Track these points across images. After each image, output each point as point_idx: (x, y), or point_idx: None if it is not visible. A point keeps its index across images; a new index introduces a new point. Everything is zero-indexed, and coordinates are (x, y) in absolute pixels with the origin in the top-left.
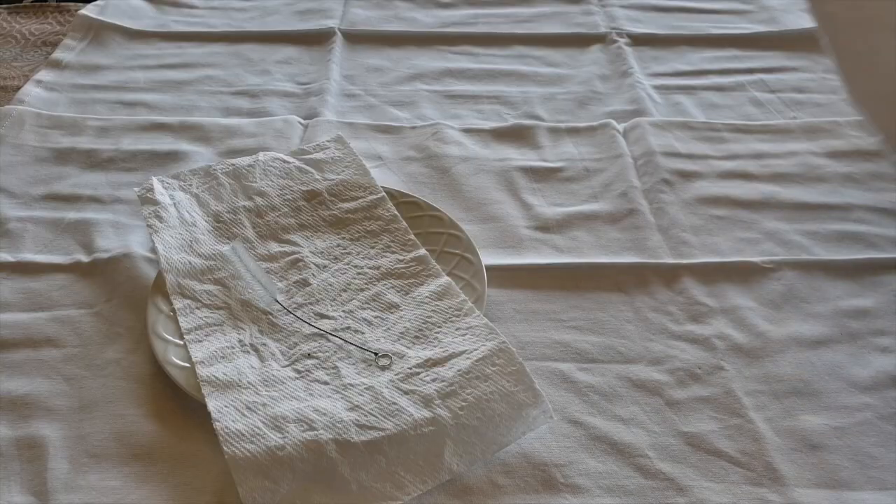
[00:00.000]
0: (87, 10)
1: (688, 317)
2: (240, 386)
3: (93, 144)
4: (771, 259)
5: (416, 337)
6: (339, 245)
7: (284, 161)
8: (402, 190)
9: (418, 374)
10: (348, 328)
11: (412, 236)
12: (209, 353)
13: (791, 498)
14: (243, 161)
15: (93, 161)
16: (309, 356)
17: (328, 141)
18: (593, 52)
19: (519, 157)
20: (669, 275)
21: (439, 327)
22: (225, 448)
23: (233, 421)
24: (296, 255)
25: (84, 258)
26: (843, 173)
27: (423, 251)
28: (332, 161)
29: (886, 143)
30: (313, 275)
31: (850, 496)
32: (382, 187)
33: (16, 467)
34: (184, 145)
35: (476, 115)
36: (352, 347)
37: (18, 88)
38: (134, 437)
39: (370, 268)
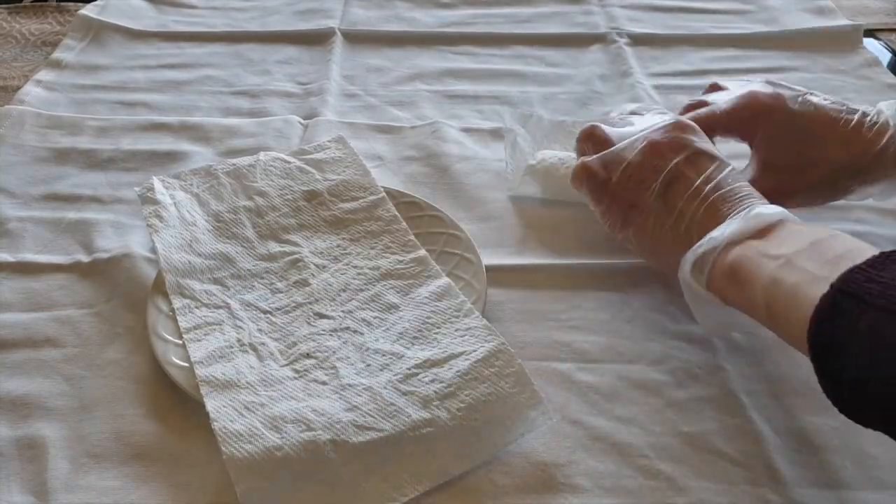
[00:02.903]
0: (87, 10)
1: (687, 317)
2: (238, 386)
3: (93, 144)
4: None
5: (416, 337)
6: (339, 245)
7: (285, 161)
8: (402, 190)
9: (417, 374)
10: (347, 328)
11: (412, 237)
12: (208, 352)
13: (791, 498)
14: (244, 161)
15: (93, 161)
16: (307, 356)
17: (329, 141)
18: (593, 52)
19: None
20: None
21: (438, 328)
22: (223, 448)
23: (231, 421)
24: (296, 256)
25: (84, 258)
26: None
27: (423, 252)
28: (333, 161)
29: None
30: (313, 275)
31: (850, 496)
32: (382, 187)
33: (15, 467)
34: (184, 145)
35: (476, 115)
36: (350, 348)
37: (18, 88)
38: (134, 437)
39: (370, 268)
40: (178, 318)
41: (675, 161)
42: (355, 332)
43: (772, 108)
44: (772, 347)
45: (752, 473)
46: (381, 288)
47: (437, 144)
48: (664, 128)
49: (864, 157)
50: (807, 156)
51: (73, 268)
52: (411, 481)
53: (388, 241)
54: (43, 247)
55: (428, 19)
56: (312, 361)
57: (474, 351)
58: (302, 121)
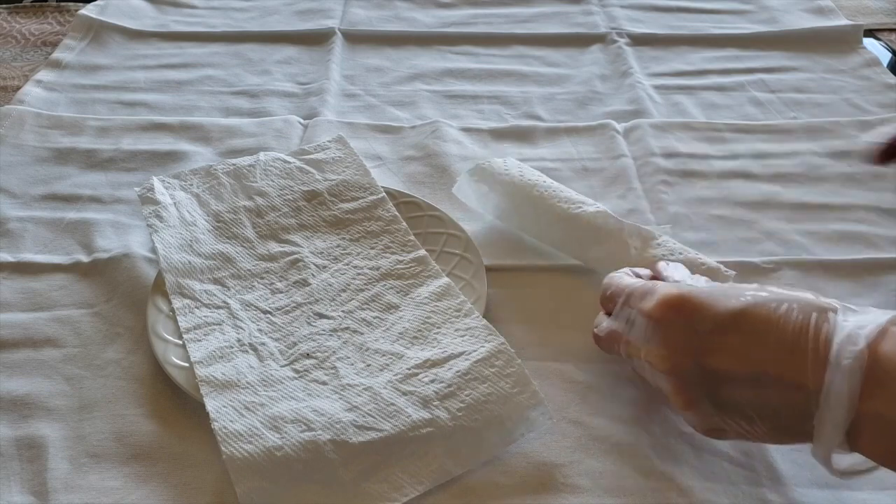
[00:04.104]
0: (87, 10)
1: None
2: (238, 386)
3: (93, 144)
4: (771, 259)
5: (416, 337)
6: (338, 245)
7: (285, 161)
8: (402, 190)
9: (417, 374)
10: (347, 328)
11: (412, 237)
12: (208, 352)
13: (791, 498)
14: (244, 161)
15: (93, 161)
16: (308, 356)
17: (329, 141)
18: (593, 52)
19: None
20: None
21: (438, 328)
22: (223, 448)
23: (231, 421)
24: (296, 256)
25: (84, 258)
26: (843, 173)
27: (423, 252)
28: (333, 161)
29: None
30: (313, 275)
31: (849, 496)
32: (382, 187)
33: (16, 467)
34: (184, 145)
35: (476, 115)
36: (350, 348)
37: (18, 88)
38: (134, 437)
39: (370, 268)
40: (178, 318)
41: None
42: (355, 332)
43: None
44: None
45: (752, 473)
46: (381, 288)
47: (436, 144)
48: None
49: None
50: None
51: (73, 268)
52: (411, 481)
53: (388, 241)
54: (43, 247)
55: (428, 19)
56: (312, 361)
57: (474, 351)
58: (302, 121)
